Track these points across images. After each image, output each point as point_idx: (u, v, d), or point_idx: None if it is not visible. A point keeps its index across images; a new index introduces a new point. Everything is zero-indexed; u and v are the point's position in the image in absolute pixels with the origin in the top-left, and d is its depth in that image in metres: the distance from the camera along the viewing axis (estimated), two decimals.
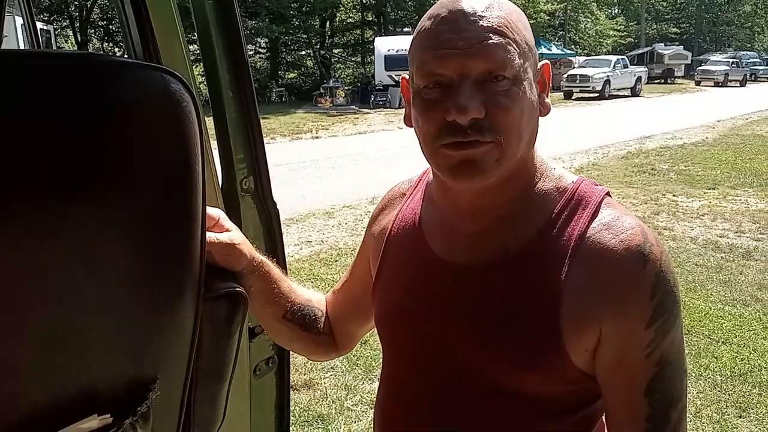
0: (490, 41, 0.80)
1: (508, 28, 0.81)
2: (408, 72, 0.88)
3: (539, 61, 0.90)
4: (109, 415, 0.71)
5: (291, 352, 1.47)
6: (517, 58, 0.81)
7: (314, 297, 1.17)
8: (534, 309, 0.85)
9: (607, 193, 0.91)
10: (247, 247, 1.01)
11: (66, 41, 27.59)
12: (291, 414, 3.17)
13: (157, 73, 0.69)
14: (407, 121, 0.91)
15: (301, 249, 6.31)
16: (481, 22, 0.80)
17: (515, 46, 0.81)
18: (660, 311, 0.84)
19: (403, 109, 0.94)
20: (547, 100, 0.91)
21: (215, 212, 0.99)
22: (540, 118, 0.90)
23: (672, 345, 0.86)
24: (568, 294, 0.84)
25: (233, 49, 1.24)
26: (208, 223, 0.96)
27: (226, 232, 0.98)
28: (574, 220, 0.87)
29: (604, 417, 0.95)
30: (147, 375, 0.79)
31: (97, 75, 0.63)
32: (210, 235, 0.93)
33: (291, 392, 3.42)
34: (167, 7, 1.18)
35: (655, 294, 0.83)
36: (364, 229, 1.16)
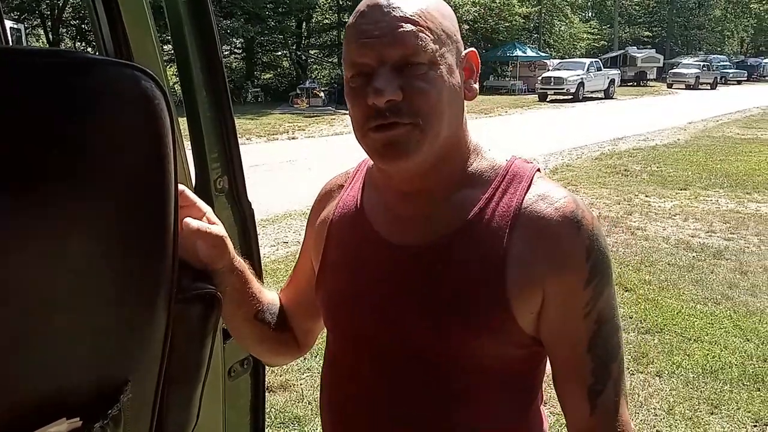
0: (402, 29, 0.85)
1: (421, 17, 0.87)
2: None
3: (464, 49, 0.95)
4: (78, 419, 0.70)
5: None
6: (431, 44, 0.86)
7: (276, 297, 1.17)
8: (481, 280, 0.90)
9: (538, 169, 0.97)
10: (230, 244, 1.02)
11: (37, 40, 27.16)
12: (267, 416, 3.15)
13: (129, 71, 0.68)
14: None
15: (277, 250, 6.28)
16: (394, 13, 0.86)
17: (429, 33, 0.87)
18: (595, 272, 0.91)
19: None
20: (474, 85, 0.96)
21: (203, 206, 0.99)
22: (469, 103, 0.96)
23: (607, 303, 0.93)
24: (511, 262, 0.89)
25: (207, 48, 1.23)
26: (195, 214, 0.96)
27: (214, 225, 0.99)
28: (510, 194, 0.93)
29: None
30: (118, 377, 0.77)
31: (67, 72, 0.62)
32: (201, 225, 0.94)
33: (266, 394, 3.40)
34: (139, 4, 1.17)
35: (590, 256, 0.90)
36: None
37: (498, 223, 0.91)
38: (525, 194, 0.92)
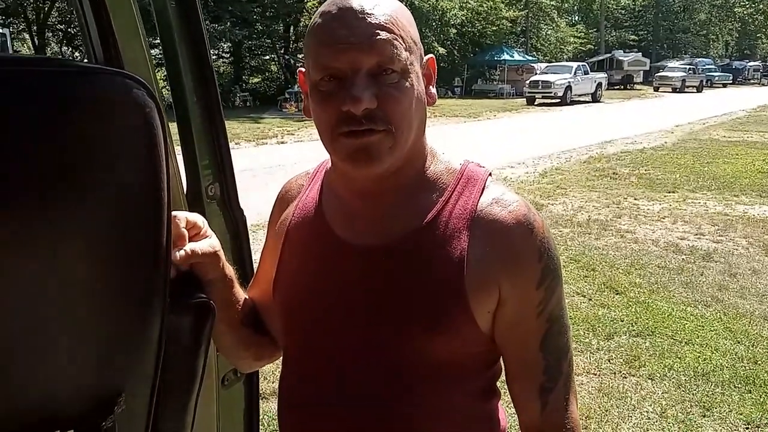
0: (379, 37, 0.86)
1: (394, 25, 0.88)
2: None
3: (425, 56, 0.96)
4: (72, 431, 0.69)
5: None
6: (403, 53, 0.88)
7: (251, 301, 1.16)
8: (441, 278, 0.92)
9: (490, 174, 1.00)
10: (222, 254, 1.02)
11: (23, 45, 26.97)
12: (261, 424, 3.12)
13: (120, 79, 0.67)
14: (306, 113, 0.96)
15: None
16: (369, 19, 0.87)
17: (401, 42, 0.88)
18: (546, 272, 0.94)
19: None
20: (433, 90, 0.98)
21: (200, 219, 0.99)
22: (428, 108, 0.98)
23: (557, 303, 0.97)
24: (469, 261, 0.92)
25: (197, 52, 1.21)
26: (192, 232, 0.97)
27: (207, 239, 0.99)
28: (466, 196, 0.96)
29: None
30: (112, 389, 0.77)
31: (58, 81, 0.61)
32: (194, 246, 0.95)
33: (261, 401, 3.37)
34: (129, 9, 1.15)
35: (541, 257, 0.94)
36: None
37: (456, 225, 0.94)
38: (480, 197, 0.95)
